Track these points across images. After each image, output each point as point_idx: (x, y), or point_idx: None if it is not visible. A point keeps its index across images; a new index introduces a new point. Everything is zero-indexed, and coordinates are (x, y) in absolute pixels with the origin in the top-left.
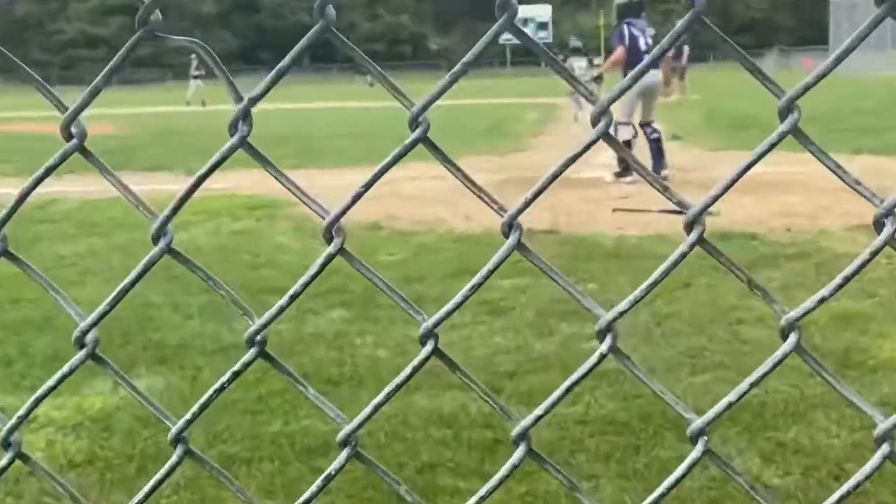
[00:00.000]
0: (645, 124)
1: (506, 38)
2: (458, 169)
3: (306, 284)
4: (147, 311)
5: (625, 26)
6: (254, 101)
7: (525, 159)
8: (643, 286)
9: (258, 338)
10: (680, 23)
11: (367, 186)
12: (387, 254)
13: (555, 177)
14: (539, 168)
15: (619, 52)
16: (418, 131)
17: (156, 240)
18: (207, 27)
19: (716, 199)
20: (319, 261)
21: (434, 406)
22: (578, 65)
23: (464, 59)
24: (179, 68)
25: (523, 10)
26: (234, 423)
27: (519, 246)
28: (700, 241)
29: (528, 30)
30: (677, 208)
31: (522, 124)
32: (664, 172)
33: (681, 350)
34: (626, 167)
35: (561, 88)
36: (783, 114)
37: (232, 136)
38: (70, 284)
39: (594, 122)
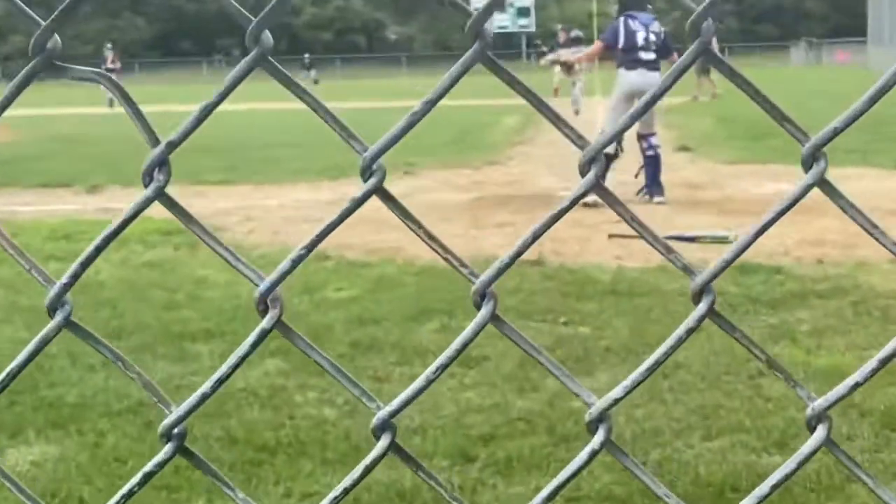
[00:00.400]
0: (642, 137)
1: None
2: (421, 226)
3: (235, 367)
4: (40, 361)
5: (621, 20)
6: (173, 145)
7: (501, 173)
8: (643, 368)
9: (175, 431)
10: (684, 56)
11: (310, 248)
12: (335, 289)
13: (535, 238)
14: (517, 184)
15: (596, 46)
16: (372, 181)
17: (52, 311)
18: (116, 13)
19: (729, 263)
20: (251, 339)
21: (392, 479)
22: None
23: (427, 98)
24: (87, 62)
25: None
26: (147, 499)
27: (493, 318)
28: (710, 313)
29: (508, 16)
30: (687, 234)
31: (499, 131)
32: (658, 200)
33: (692, 408)
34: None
35: (545, 88)
36: (807, 162)
37: (146, 185)
38: None
39: (582, 172)
